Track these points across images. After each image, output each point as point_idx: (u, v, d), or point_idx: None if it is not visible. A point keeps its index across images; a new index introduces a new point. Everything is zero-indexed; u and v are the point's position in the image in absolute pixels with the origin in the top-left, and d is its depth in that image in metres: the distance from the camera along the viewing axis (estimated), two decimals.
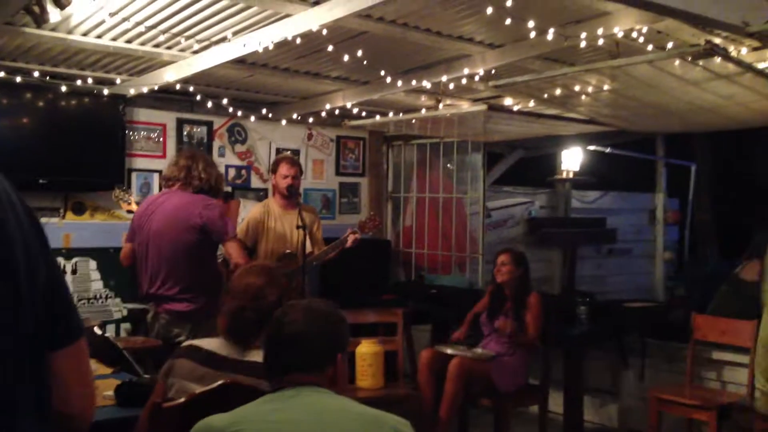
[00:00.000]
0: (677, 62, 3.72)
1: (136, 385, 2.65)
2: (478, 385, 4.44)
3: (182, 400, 2.20)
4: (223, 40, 4.18)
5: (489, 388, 4.44)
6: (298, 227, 4.39)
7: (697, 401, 4.30)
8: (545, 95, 4.75)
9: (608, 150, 7.40)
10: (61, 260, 5.44)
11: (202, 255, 3.89)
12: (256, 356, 2.42)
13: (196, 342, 2.51)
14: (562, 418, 5.13)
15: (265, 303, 2.46)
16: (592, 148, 7.39)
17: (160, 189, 5.76)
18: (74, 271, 5.49)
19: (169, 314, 3.81)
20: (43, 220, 5.35)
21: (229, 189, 6.10)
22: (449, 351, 4.51)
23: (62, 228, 5.44)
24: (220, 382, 2.25)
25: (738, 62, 3.76)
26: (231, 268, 3.91)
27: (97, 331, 3.68)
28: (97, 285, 5.59)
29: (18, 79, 4.86)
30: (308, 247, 4.61)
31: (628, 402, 5.24)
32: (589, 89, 4.52)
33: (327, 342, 1.86)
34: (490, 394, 4.47)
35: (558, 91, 4.60)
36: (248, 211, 5.17)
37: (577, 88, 4.51)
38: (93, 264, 5.58)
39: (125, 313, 5.63)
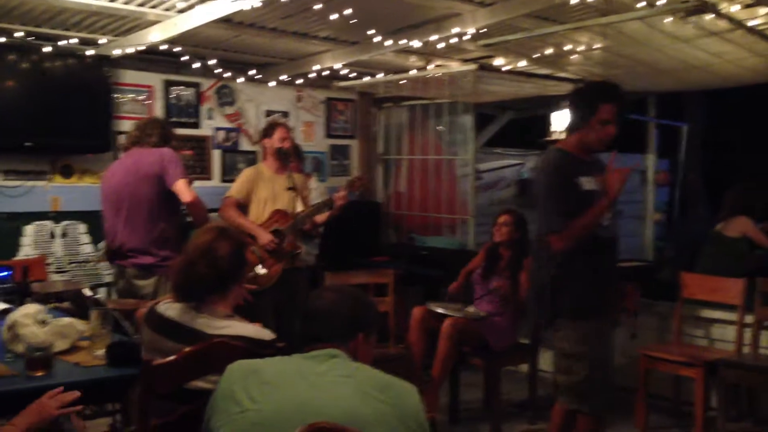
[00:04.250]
0: (669, 19, 3.69)
1: (126, 345, 2.68)
2: (471, 344, 4.48)
3: (172, 358, 2.21)
4: None
5: (481, 347, 4.48)
6: (288, 189, 4.48)
7: (684, 358, 4.36)
8: (536, 54, 4.72)
9: None
10: (49, 224, 5.41)
11: (165, 206, 4.00)
12: (221, 329, 2.37)
13: (156, 307, 2.50)
14: (553, 376, 5.19)
15: (216, 255, 2.43)
16: None
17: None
18: (64, 235, 5.47)
19: (136, 267, 3.88)
20: (30, 183, 5.31)
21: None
22: (440, 310, 4.54)
23: (49, 191, 5.38)
24: (213, 341, 2.25)
25: (729, 19, 3.74)
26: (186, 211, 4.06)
27: (88, 293, 3.68)
28: (87, 248, 5.57)
29: (1, 39, 4.78)
30: (300, 208, 4.61)
31: (618, 360, 5.27)
32: (580, 48, 4.49)
33: (348, 318, 2.00)
34: (481, 353, 4.51)
35: (549, 50, 4.56)
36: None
37: (568, 46, 4.48)
38: (83, 227, 5.55)
39: None
